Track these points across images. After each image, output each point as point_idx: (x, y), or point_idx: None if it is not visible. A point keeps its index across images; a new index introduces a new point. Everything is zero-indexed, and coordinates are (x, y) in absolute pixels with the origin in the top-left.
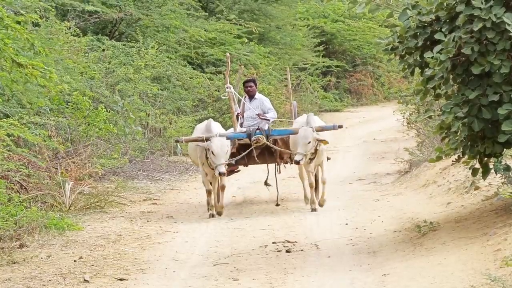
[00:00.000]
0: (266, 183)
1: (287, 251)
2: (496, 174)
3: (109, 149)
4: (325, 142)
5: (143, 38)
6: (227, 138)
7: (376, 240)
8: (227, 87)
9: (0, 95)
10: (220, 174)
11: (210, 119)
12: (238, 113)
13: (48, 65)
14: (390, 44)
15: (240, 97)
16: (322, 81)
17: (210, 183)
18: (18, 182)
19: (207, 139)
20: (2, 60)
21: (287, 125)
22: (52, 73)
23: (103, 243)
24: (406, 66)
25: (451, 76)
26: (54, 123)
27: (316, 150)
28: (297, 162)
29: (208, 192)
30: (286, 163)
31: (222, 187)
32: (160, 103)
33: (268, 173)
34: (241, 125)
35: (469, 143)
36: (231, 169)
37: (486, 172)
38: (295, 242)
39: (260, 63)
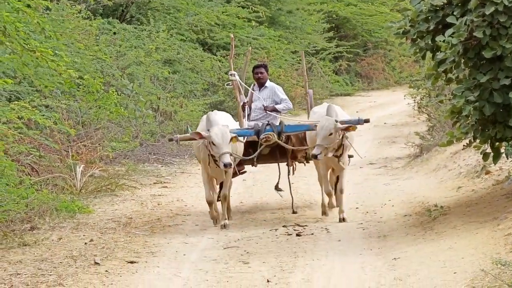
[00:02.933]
0: (277, 188)
1: (297, 235)
2: (507, 158)
3: (120, 132)
4: (353, 127)
5: (154, 21)
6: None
7: (387, 224)
8: (230, 74)
9: (12, 78)
10: (225, 165)
11: (215, 110)
12: (244, 103)
13: (58, 49)
14: (402, 28)
15: (246, 86)
16: (334, 65)
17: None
18: (29, 164)
19: (204, 137)
20: (14, 44)
21: (302, 111)
22: (63, 58)
23: (114, 226)
24: (417, 50)
25: (462, 60)
26: (65, 106)
27: (342, 145)
28: (315, 156)
29: (210, 203)
30: (301, 162)
31: (224, 197)
32: (171, 86)
33: (279, 176)
34: (248, 117)
35: (480, 127)
36: (236, 170)
37: (497, 156)
38: (305, 225)
39: (271, 47)
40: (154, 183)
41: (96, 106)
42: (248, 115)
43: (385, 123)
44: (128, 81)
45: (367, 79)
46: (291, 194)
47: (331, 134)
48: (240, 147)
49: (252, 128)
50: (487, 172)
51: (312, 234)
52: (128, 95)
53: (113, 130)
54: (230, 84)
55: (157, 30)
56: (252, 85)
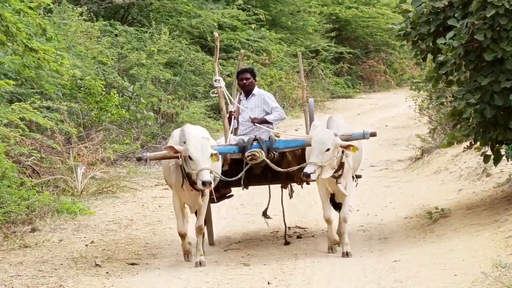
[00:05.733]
0: (265, 214)
1: (298, 237)
2: (508, 160)
3: (121, 134)
4: (354, 148)
5: (156, 23)
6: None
7: (387, 227)
8: (215, 80)
9: (14, 79)
10: (204, 184)
11: (187, 124)
12: (231, 112)
13: (60, 51)
14: (403, 30)
15: (230, 97)
16: (335, 67)
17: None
18: (30, 166)
19: (179, 152)
20: (15, 45)
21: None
22: (64, 59)
23: (115, 227)
24: (418, 52)
25: (463, 63)
26: (67, 108)
27: (342, 164)
28: (307, 176)
29: (182, 236)
30: (299, 184)
31: (199, 230)
32: (172, 88)
33: (269, 201)
34: (236, 132)
35: (481, 129)
36: (222, 193)
37: (498, 158)
38: (306, 228)
39: (272, 49)
40: (155, 185)
41: (97, 108)
42: (236, 128)
43: (386, 126)
44: (129, 83)
45: (368, 82)
46: (284, 221)
47: (328, 149)
48: (217, 167)
49: (236, 144)
50: (488, 175)
51: (313, 236)
52: (129, 97)
53: (114, 132)
54: (215, 92)
55: (159, 33)
56: (238, 94)
